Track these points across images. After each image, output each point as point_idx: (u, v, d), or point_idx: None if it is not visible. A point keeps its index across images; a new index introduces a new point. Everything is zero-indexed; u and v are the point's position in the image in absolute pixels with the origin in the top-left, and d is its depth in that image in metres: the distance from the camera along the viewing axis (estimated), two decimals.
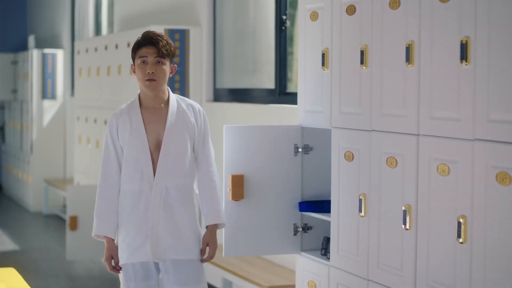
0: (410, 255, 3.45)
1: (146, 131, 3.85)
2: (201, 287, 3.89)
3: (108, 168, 3.90)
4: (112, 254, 3.88)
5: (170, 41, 3.91)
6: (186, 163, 3.87)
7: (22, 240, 9.25)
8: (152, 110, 3.90)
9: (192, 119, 3.90)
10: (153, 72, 3.83)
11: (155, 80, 3.84)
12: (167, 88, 3.92)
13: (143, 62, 3.86)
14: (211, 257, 3.92)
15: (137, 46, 3.90)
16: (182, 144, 3.86)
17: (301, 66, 4.28)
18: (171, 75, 3.93)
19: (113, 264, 3.89)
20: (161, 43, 3.85)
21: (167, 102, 3.91)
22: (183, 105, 3.93)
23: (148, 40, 3.87)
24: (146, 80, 3.84)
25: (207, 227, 3.90)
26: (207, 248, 3.90)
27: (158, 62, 3.85)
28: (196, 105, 3.98)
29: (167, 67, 3.87)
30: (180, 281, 3.86)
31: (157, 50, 3.84)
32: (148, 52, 3.85)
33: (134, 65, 3.94)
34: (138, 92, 3.98)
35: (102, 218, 3.89)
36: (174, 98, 3.94)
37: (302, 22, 4.27)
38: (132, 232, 3.85)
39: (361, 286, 3.78)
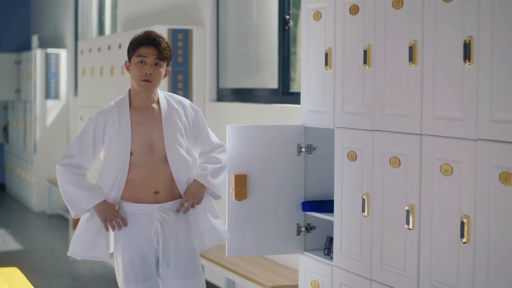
0: (413, 255, 3.44)
1: (133, 133, 3.85)
2: (199, 281, 3.93)
3: (79, 160, 3.89)
4: (114, 210, 3.86)
5: (169, 44, 3.91)
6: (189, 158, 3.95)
7: (25, 239, 9.26)
8: (143, 110, 3.89)
9: (183, 117, 3.93)
10: (150, 74, 3.82)
11: (151, 81, 3.84)
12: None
13: (142, 61, 3.83)
14: (188, 206, 3.90)
15: (137, 44, 3.86)
16: (181, 143, 3.90)
17: (304, 66, 4.28)
18: (164, 78, 3.92)
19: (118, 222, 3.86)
20: (162, 45, 3.84)
21: (157, 102, 3.92)
22: (173, 103, 3.94)
23: (150, 40, 3.84)
24: (142, 80, 3.83)
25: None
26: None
27: (156, 64, 3.84)
28: (186, 101, 4.00)
29: (163, 70, 3.87)
30: (181, 275, 3.88)
31: (157, 52, 3.83)
32: (148, 52, 3.83)
33: (129, 62, 3.91)
34: (128, 89, 3.97)
35: (90, 189, 3.88)
36: (163, 96, 3.95)
37: (305, 22, 4.27)
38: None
39: (364, 286, 3.78)
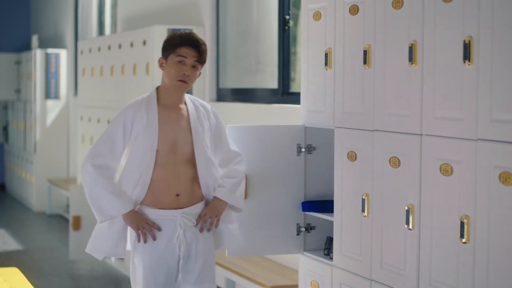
0: (413, 255, 3.44)
1: (160, 131, 3.81)
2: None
3: (108, 159, 3.83)
4: (144, 217, 3.81)
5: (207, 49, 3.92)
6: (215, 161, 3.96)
7: (25, 240, 9.26)
8: (171, 109, 3.88)
9: (207, 121, 3.93)
10: (188, 75, 3.83)
11: (186, 82, 3.84)
12: None
13: (181, 62, 3.83)
14: (211, 223, 3.90)
15: (179, 44, 3.84)
16: (208, 144, 3.91)
17: (304, 66, 4.28)
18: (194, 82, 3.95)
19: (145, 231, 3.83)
20: (202, 48, 3.86)
21: (184, 102, 3.93)
22: (198, 105, 3.96)
23: (191, 42, 3.84)
24: (179, 80, 3.83)
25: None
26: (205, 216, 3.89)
27: (194, 66, 3.85)
28: (207, 105, 4.01)
29: (197, 72, 3.89)
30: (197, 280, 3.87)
31: (198, 54, 3.84)
32: (189, 53, 3.83)
33: (164, 59, 3.87)
34: (156, 86, 3.95)
35: (120, 195, 3.80)
36: (188, 98, 3.95)
37: (305, 22, 4.27)
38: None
39: (364, 286, 3.78)
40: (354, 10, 3.83)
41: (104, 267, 7.78)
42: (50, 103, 11.28)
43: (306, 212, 4.31)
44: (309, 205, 4.27)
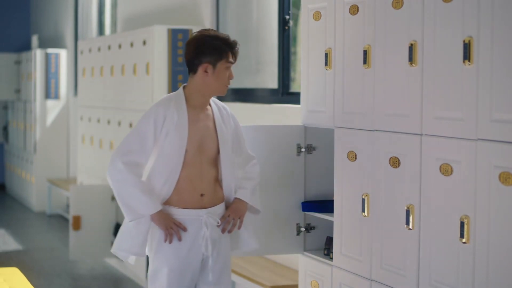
0: (413, 255, 3.44)
1: (189, 130, 3.80)
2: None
3: (138, 156, 3.77)
4: (171, 217, 3.79)
5: None
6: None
7: (25, 239, 9.26)
8: (199, 110, 3.86)
9: (227, 123, 3.94)
10: (232, 79, 3.88)
11: (228, 86, 3.89)
12: None
13: (228, 67, 3.84)
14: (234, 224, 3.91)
15: (226, 49, 3.82)
16: (230, 145, 3.92)
17: (304, 66, 4.28)
18: None
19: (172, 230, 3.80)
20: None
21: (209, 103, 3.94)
22: (221, 107, 3.97)
23: (235, 46, 3.87)
24: (226, 86, 3.86)
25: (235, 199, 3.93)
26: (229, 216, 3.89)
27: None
28: (227, 108, 4.02)
29: None
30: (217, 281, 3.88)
31: (235, 61, 3.88)
32: (234, 59, 3.86)
33: (212, 65, 3.81)
34: (183, 85, 3.92)
35: (150, 193, 3.76)
36: (211, 100, 3.96)
37: (305, 22, 4.27)
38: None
39: (364, 286, 3.78)
40: (354, 10, 3.83)
41: (104, 267, 7.78)
42: (50, 103, 11.28)
43: (306, 212, 4.31)
44: (309, 205, 4.27)
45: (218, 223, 3.85)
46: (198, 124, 3.84)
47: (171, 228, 3.76)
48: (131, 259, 3.91)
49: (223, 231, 3.87)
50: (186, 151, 3.79)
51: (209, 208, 3.83)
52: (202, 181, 3.82)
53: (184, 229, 3.78)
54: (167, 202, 3.81)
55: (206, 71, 3.80)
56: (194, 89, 3.86)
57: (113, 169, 3.77)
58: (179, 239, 3.78)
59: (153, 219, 3.78)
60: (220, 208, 3.88)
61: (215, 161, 3.87)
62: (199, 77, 3.83)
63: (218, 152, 3.87)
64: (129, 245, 3.83)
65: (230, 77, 3.86)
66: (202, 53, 3.80)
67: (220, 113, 3.93)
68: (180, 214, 3.80)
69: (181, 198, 3.81)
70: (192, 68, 3.85)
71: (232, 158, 3.91)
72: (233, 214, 3.89)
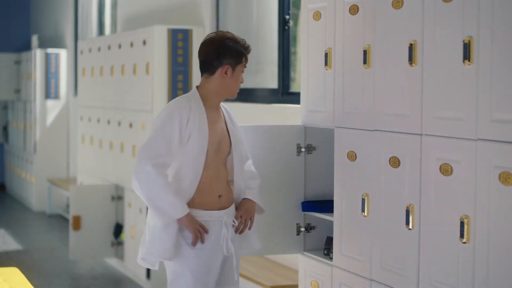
0: (413, 255, 3.44)
1: (209, 132, 3.78)
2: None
3: (165, 159, 3.70)
4: (197, 221, 3.75)
5: None
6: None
7: (25, 239, 9.26)
8: (214, 111, 3.85)
9: (236, 123, 3.97)
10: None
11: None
12: None
13: (243, 71, 3.86)
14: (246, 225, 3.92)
15: (244, 52, 3.84)
16: (240, 148, 3.93)
17: (304, 66, 4.28)
18: None
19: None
20: None
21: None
22: (227, 108, 3.99)
23: (250, 49, 3.88)
24: (238, 89, 3.88)
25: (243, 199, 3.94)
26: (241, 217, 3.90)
27: None
28: (228, 108, 4.02)
29: None
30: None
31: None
32: (247, 62, 3.88)
33: (232, 67, 3.81)
34: (195, 86, 3.88)
35: (178, 196, 3.71)
36: None
37: (305, 22, 4.27)
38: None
39: (364, 286, 3.78)
40: (354, 10, 3.83)
41: (104, 267, 7.78)
42: (50, 103, 11.28)
43: (306, 212, 4.31)
44: (309, 205, 4.27)
45: (234, 222, 3.86)
46: (216, 125, 3.83)
47: (198, 231, 3.74)
48: (157, 265, 3.84)
49: (236, 231, 3.88)
50: (207, 152, 3.77)
51: (227, 209, 3.84)
52: (219, 182, 3.82)
53: (207, 231, 3.77)
54: (189, 205, 3.77)
55: (226, 73, 3.80)
56: (211, 90, 3.84)
57: (141, 172, 3.67)
58: (203, 242, 3.75)
59: (182, 222, 3.72)
60: (233, 209, 3.90)
61: (226, 162, 3.87)
62: (217, 78, 3.82)
63: (228, 153, 3.87)
64: (158, 250, 3.75)
65: (242, 80, 3.88)
66: (223, 54, 3.79)
67: (228, 114, 3.94)
68: (203, 216, 3.78)
69: (203, 200, 3.79)
70: (209, 68, 3.82)
71: (242, 158, 3.92)
72: (245, 214, 3.90)
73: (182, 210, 3.70)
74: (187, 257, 3.76)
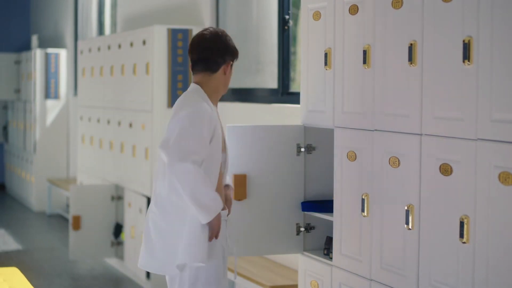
0: (413, 255, 3.44)
1: (222, 133, 3.79)
2: None
3: (200, 157, 3.61)
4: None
5: None
6: None
7: (25, 239, 9.26)
8: (215, 109, 3.85)
9: None
10: None
11: None
12: None
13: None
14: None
15: (236, 50, 3.86)
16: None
17: (304, 66, 4.28)
18: None
19: None
20: None
21: None
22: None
23: None
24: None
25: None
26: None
27: None
28: None
29: None
30: None
31: None
32: None
33: (231, 65, 3.85)
34: (196, 85, 3.81)
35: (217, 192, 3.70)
36: None
37: (305, 22, 4.27)
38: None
39: (364, 286, 3.78)
40: (353, 10, 3.83)
41: (104, 267, 7.78)
42: (50, 103, 11.28)
43: (305, 212, 4.31)
44: (309, 205, 4.27)
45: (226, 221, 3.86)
46: (221, 124, 3.85)
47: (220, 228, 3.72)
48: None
49: None
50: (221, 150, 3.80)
51: (225, 209, 3.85)
52: (220, 181, 3.83)
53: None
54: None
55: (226, 70, 3.83)
56: (214, 89, 3.83)
57: (181, 171, 3.55)
58: (217, 238, 3.71)
59: (215, 218, 3.66)
60: None
61: None
62: (219, 76, 3.82)
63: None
64: (202, 254, 3.67)
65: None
66: (227, 52, 3.81)
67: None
68: (222, 214, 3.74)
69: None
70: (212, 67, 3.80)
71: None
72: (230, 205, 3.91)
73: (220, 204, 3.65)
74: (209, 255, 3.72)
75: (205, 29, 3.89)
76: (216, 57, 3.79)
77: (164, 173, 3.68)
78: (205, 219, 3.61)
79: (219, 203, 3.64)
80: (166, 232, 3.71)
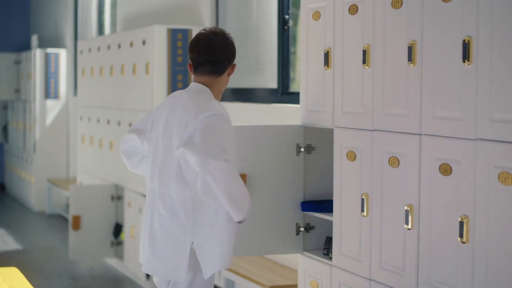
0: (412, 255, 3.44)
1: None
2: None
3: (231, 154, 3.56)
4: None
5: None
6: None
7: (25, 239, 9.26)
8: None
9: None
10: None
11: None
12: None
13: None
14: None
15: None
16: None
17: (304, 66, 4.27)
18: None
19: None
20: None
21: None
22: None
23: None
24: None
25: None
26: None
27: None
28: None
29: None
30: None
31: None
32: None
33: (230, 68, 3.80)
34: (204, 86, 3.74)
35: None
36: None
37: (304, 22, 4.27)
38: None
39: (363, 286, 3.77)
40: (353, 9, 3.83)
41: (104, 267, 7.78)
42: (49, 103, 11.28)
43: (305, 212, 4.30)
44: (309, 205, 4.27)
45: None
46: None
47: None
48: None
49: None
50: None
51: None
52: None
53: None
54: None
55: (229, 74, 3.80)
56: (219, 90, 3.80)
57: (216, 169, 3.47)
58: None
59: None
60: None
61: None
62: (224, 78, 3.78)
63: None
64: (227, 256, 3.67)
65: None
66: (234, 55, 3.79)
67: None
68: None
69: None
70: (219, 69, 3.74)
71: None
72: None
73: (251, 202, 3.62)
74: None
75: (211, 30, 3.77)
76: (225, 61, 3.74)
77: (179, 175, 3.61)
78: (239, 216, 3.58)
79: (250, 200, 3.60)
80: (175, 236, 3.65)
